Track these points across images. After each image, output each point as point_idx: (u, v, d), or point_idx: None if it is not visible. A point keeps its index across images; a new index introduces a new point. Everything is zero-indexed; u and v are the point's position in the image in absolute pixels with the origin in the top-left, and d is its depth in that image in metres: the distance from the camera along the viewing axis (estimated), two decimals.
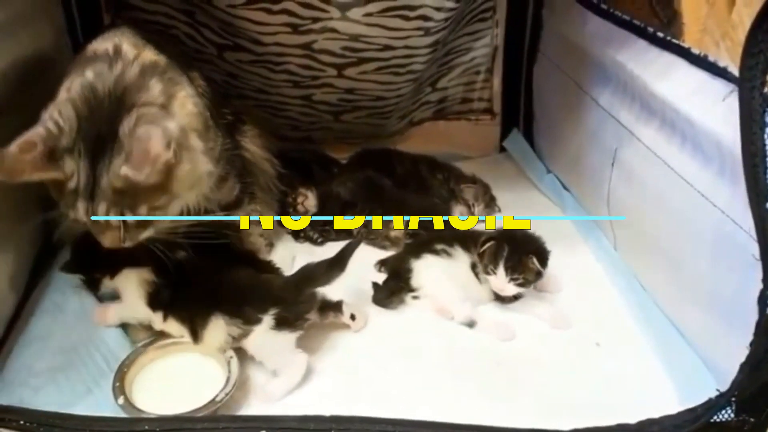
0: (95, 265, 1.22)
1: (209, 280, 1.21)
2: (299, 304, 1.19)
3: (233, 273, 1.24)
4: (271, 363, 1.17)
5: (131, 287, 1.19)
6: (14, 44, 1.29)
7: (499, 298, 1.36)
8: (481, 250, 1.34)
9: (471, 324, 1.30)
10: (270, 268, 1.33)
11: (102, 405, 1.08)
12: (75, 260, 1.25)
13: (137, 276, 1.19)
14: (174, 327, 1.18)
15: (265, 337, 1.16)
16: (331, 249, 1.55)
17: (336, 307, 1.28)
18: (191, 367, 1.18)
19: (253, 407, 1.12)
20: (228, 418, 1.07)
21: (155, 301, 1.19)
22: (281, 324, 1.16)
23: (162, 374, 1.16)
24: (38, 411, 0.99)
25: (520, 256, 1.31)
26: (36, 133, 1.01)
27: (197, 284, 1.20)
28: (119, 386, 1.09)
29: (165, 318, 1.18)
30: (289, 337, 1.17)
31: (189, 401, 1.06)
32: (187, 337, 1.18)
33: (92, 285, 1.26)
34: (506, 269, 1.30)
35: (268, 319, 1.15)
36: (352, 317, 1.28)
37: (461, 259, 1.38)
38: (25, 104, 1.29)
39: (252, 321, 1.15)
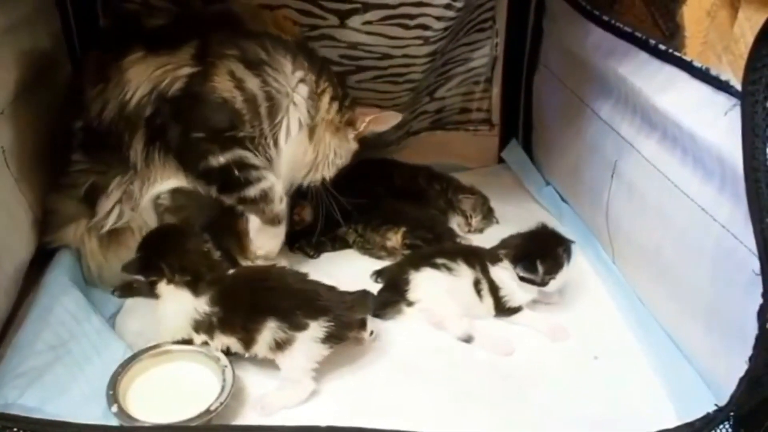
0: (158, 268, 1.19)
1: (260, 285, 1.20)
2: (347, 324, 1.18)
3: (283, 276, 1.23)
4: (289, 371, 1.15)
5: (182, 312, 1.18)
6: (15, 49, 1.31)
7: (500, 314, 1.36)
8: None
9: (468, 339, 1.29)
10: None
11: (95, 410, 1.07)
12: (143, 261, 1.21)
13: (193, 302, 1.17)
14: (220, 341, 1.17)
15: (308, 346, 1.14)
16: (325, 259, 1.56)
17: (361, 324, 1.24)
18: (186, 375, 1.17)
19: (248, 417, 1.11)
20: (223, 428, 1.07)
21: (200, 327, 1.17)
22: (329, 338, 1.15)
23: (156, 382, 1.15)
24: (32, 418, 0.98)
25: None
26: None
27: (248, 291, 1.19)
28: (113, 394, 1.08)
29: (211, 338, 1.17)
30: (323, 353, 1.15)
31: (183, 410, 1.05)
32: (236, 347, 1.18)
33: (148, 288, 1.21)
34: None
35: (315, 327, 1.14)
36: (371, 333, 1.26)
37: (464, 275, 1.36)
38: (25, 106, 1.31)
39: (300, 327, 1.13)
